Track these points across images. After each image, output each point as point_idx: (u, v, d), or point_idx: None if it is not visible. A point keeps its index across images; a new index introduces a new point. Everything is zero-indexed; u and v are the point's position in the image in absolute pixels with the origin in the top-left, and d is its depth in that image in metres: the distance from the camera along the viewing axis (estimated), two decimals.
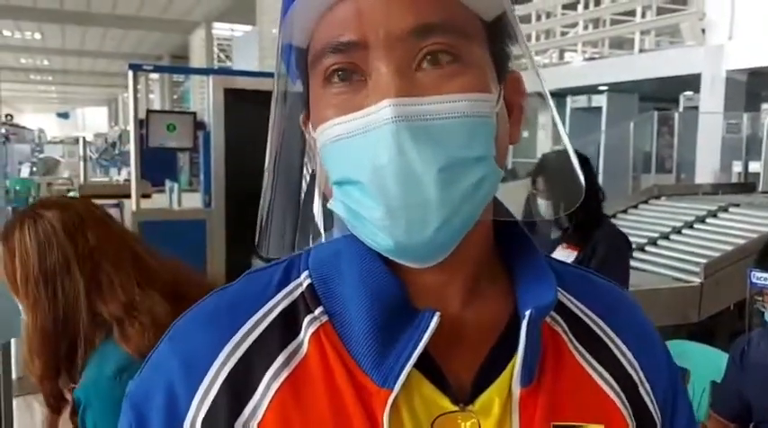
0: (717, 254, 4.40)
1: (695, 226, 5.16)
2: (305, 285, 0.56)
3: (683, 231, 5.06)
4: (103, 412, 1.18)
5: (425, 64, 0.50)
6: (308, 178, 0.60)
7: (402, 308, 0.52)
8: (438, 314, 0.51)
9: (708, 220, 5.23)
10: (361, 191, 0.49)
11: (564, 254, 2.55)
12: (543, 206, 2.50)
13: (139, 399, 0.55)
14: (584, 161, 2.73)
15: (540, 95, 0.57)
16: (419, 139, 0.47)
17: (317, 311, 0.54)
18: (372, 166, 0.48)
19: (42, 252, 1.22)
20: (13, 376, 1.72)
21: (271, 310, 0.55)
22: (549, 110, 0.58)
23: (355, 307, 0.53)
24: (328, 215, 0.56)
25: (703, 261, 4.28)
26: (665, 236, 4.95)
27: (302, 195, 0.60)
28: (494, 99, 0.52)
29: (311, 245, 0.58)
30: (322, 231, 0.58)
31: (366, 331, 0.52)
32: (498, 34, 0.54)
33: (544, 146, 13.47)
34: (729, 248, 4.49)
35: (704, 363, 2.40)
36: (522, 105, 0.57)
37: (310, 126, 0.55)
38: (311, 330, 0.54)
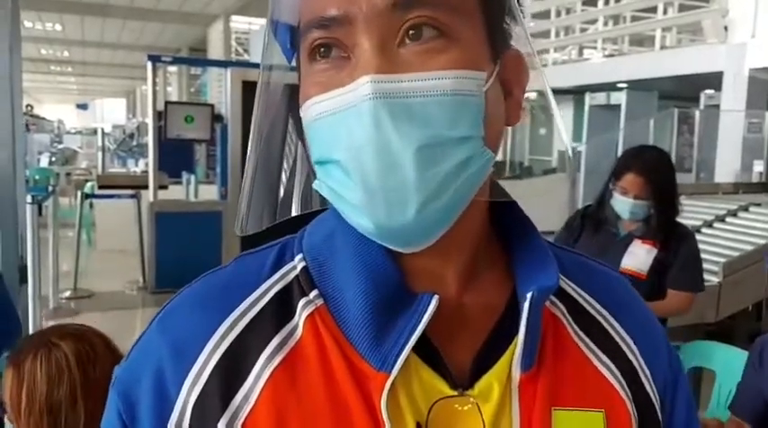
0: (736, 254, 4.35)
1: (714, 225, 5.11)
2: (299, 268, 0.55)
3: (703, 230, 5.01)
4: None
5: (408, 39, 0.48)
6: (291, 158, 0.59)
7: (399, 292, 0.51)
8: (437, 297, 0.50)
9: (727, 220, 5.17)
10: (340, 170, 0.48)
11: (644, 249, 2.47)
12: (630, 204, 2.44)
13: (127, 385, 0.53)
14: (666, 158, 2.63)
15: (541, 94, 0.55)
16: (398, 117, 0.46)
17: (312, 294, 0.53)
18: (350, 145, 0.47)
19: (52, 385, 1.23)
20: None
21: (264, 293, 0.54)
22: (548, 99, 0.55)
23: (352, 291, 0.51)
24: (310, 194, 0.55)
25: (722, 260, 4.23)
26: None
27: (285, 175, 0.59)
28: (482, 77, 0.49)
29: (288, 217, 0.57)
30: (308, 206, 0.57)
31: (363, 314, 0.50)
32: (495, 9, 0.52)
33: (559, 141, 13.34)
34: (749, 248, 4.44)
35: (730, 365, 2.36)
36: (521, 86, 0.54)
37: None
38: (306, 313, 0.52)
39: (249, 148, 0.56)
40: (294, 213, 0.57)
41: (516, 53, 0.54)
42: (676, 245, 2.48)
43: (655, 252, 2.47)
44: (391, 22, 0.47)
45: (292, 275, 0.55)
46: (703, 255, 3.83)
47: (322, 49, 0.49)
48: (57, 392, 1.23)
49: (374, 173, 0.46)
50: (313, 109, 0.49)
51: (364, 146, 0.46)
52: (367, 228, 0.49)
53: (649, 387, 0.58)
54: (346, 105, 0.47)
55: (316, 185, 0.52)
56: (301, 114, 0.52)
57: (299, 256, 0.56)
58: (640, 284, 2.35)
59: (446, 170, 0.47)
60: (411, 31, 0.48)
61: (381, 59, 0.47)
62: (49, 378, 1.23)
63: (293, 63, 0.55)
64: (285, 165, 0.59)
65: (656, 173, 2.47)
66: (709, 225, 5.11)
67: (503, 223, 0.58)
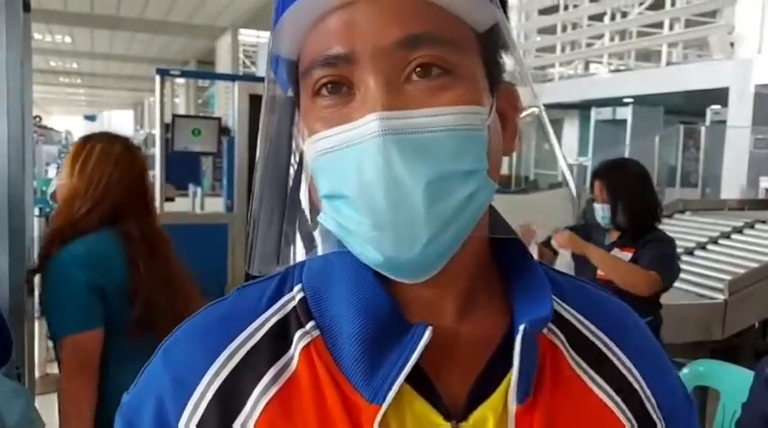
0: (742, 271, 4.33)
1: (720, 241, 5.08)
2: (297, 299, 0.55)
3: (708, 247, 4.99)
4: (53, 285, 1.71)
5: (414, 76, 0.48)
6: (295, 189, 0.59)
7: (394, 323, 0.51)
8: (430, 327, 0.50)
9: (733, 236, 5.15)
10: (348, 205, 0.48)
11: (622, 256, 2.56)
12: (599, 208, 2.58)
13: (131, 413, 0.55)
14: (630, 163, 2.79)
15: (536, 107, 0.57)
16: (406, 153, 0.46)
17: (309, 326, 0.53)
18: (359, 181, 0.47)
19: (103, 157, 1.79)
20: (36, 374, 1.74)
21: (262, 325, 0.54)
22: (544, 125, 0.57)
23: (346, 322, 0.52)
24: (317, 227, 0.55)
25: (728, 277, 4.21)
26: (690, 252, 4.87)
27: (292, 207, 0.59)
28: (485, 111, 0.50)
29: (300, 258, 0.57)
30: (314, 244, 0.57)
31: (356, 346, 0.51)
32: (491, 45, 0.53)
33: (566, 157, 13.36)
34: (755, 265, 4.42)
35: (735, 385, 2.33)
36: (515, 117, 0.56)
37: (301, 138, 0.54)
38: (302, 345, 0.53)
39: (254, 190, 0.56)
40: (300, 258, 0.57)
41: (509, 86, 0.55)
42: (643, 247, 2.54)
43: (629, 255, 2.54)
44: (397, 61, 0.48)
45: (290, 306, 0.55)
46: (709, 272, 3.79)
47: (329, 86, 0.50)
48: (107, 162, 1.78)
49: (383, 209, 0.46)
50: (319, 144, 0.50)
51: (373, 181, 0.46)
52: (376, 261, 0.49)
53: (654, 413, 0.58)
54: (354, 141, 0.48)
55: (321, 218, 0.52)
56: (304, 148, 0.52)
57: (298, 287, 0.56)
58: (619, 292, 2.37)
59: (454, 204, 0.48)
60: (417, 69, 0.48)
61: (388, 96, 0.47)
62: (101, 154, 1.78)
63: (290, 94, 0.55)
64: (291, 206, 0.59)
65: (613, 173, 2.62)
66: (714, 241, 5.09)
67: (500, 251, 0.58)
